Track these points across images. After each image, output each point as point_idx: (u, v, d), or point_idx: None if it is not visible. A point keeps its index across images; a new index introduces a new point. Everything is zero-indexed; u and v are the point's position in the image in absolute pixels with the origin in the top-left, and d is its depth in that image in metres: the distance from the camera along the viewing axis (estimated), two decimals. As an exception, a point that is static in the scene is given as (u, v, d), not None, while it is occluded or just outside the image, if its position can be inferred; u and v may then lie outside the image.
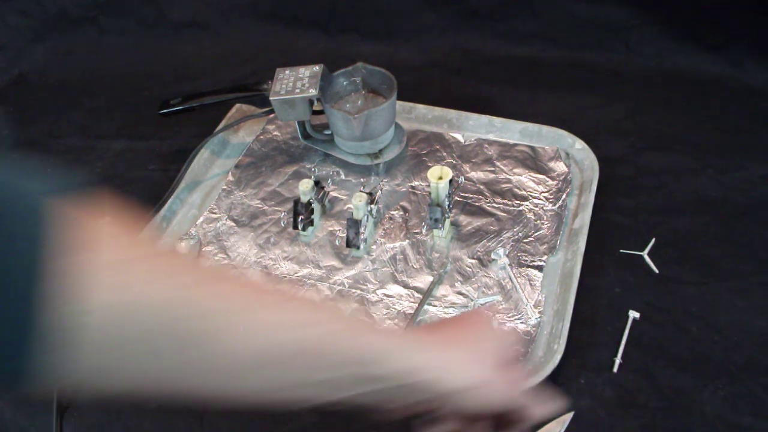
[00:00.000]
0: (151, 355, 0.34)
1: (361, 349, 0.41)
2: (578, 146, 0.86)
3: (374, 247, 0.79)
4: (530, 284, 0.73)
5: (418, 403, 0.46)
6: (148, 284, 0.33)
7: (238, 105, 0.95)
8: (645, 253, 0.74)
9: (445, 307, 0.72)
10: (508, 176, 0.84)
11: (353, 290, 0.74)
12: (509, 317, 0.70)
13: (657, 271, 0.73)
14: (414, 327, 0.51)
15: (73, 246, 0.31)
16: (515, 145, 0.87)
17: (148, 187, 0.88)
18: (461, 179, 0.84)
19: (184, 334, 0.34)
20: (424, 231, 0.79)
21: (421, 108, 0.93)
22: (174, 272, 0.35)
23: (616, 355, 0.66)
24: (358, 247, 0.77)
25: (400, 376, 0.43)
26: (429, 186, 0.80)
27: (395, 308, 0.72)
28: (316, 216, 0.81)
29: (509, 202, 0.81)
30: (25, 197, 0.31)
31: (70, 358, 0.30)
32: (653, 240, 0.74)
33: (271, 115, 0.87)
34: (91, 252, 0.31)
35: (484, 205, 0.81)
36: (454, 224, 0.80)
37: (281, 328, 0.38)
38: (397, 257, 0.77)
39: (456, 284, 0.74)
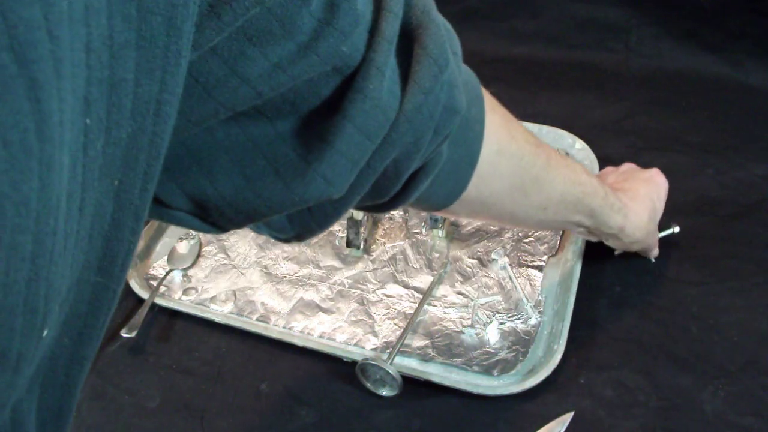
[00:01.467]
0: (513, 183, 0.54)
1: (596, 206, 0.61)
2: (578, 146, 0.86)
3: (374, 247, 0.79)
4: (530, 284, 0.73)
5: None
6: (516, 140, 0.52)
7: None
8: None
9: (445, 307, 0.72)
10: (508, 176, 0.84)
11: (353, 290, 0.74)
12: (509, 317, 0.70)
13: (653, 259, 0.73)
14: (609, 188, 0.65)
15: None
16: (515, 145, 0.87)
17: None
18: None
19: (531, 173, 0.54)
20: (424, 231, 0.79)
21: (421, 108, 0.93)
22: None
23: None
24: (358, 247, 0.77)
25: (601, 227, 0.63)
26: (429, 186, 0.80)
27: (395, 308, 0.72)
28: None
29: (509, 202, 0.81)
30: None
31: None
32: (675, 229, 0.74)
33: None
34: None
35: (484, 205, 0.81)
36: (454, 224, 0.80)
37: (569, 182, 0.57)
38: (397, 257, 0.77)
39: (456, 284, 0.74)
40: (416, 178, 0.44)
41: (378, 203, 0.45)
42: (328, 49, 0.33)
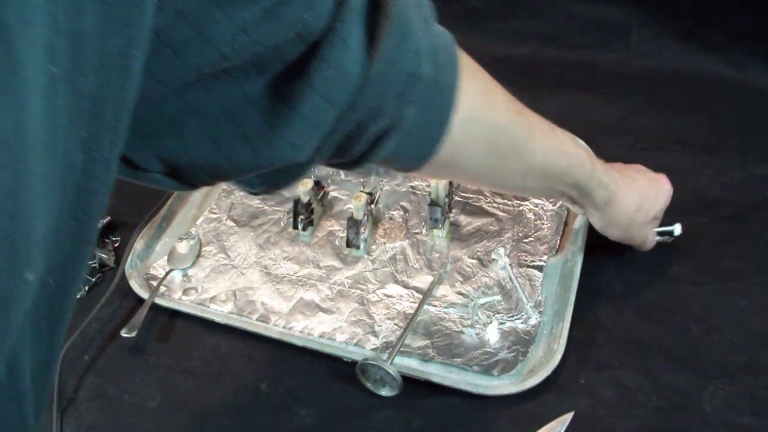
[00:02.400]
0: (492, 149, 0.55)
1: (582, 179, 0.62)
2: (578, 146, 0.86)
3: (374, 247, 0.79)
4: (530, 284, 0.73)
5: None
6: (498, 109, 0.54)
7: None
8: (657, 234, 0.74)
9: (445, 307, 0.72)
10: (508, 176, 0.84)
11: (353, 290, 0.74)
12: (509, 317, 0.70)
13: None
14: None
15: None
16: (515, 145, 0.87)
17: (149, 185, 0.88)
18: (461, 179, 0.84)
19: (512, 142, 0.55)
20: (424, 231, 0.79)
21: (421, 108, 0.93)
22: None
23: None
24: (358, 247, 0.77)
25: (586, 201, 0.65)
26: (429, 186, 0.80)
27: (395, 308, 0.72)
28: (316, 216, 0.81)
29: (509, 202, 0.81)
30: None
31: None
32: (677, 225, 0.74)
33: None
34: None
35: (484, 205, 0.81)
36: (454, 224, 0.80)
37: (553, 152, 0.58)
38: (397, 257, 0.77)
39: (456, 284, 0.74)
40: (381, 140, 0.46)
41: (344, 161, 0.47)
42: (291, 15, 0.35)
